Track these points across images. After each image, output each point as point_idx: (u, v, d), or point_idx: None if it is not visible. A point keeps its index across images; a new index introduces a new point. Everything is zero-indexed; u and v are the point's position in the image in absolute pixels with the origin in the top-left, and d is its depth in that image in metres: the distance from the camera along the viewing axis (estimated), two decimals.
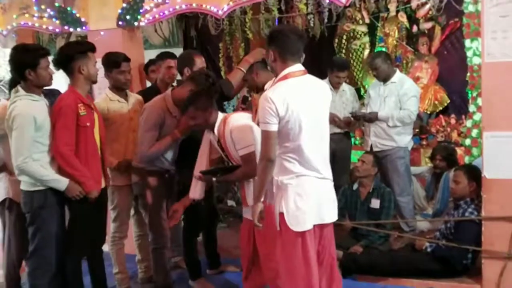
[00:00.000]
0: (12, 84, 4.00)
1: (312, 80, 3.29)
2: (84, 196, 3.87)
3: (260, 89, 3.97)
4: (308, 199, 3.16)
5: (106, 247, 4.42)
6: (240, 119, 3.76)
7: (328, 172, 3.29)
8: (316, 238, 3.25)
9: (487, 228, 4.24)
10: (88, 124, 3.90)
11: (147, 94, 4.76)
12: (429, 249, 4.63)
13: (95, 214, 4.05)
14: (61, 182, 3.78)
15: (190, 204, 4.11)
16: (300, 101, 3.11)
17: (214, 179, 3.87)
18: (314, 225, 3.21)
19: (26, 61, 3.69)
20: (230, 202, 6.92)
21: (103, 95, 4.61)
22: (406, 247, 4.98)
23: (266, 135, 3.11)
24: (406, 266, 4.58)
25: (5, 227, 4.44)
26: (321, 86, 3.34)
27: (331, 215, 3.31)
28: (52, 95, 4.32)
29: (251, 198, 3.61)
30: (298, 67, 3.20)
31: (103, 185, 4.10)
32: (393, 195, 5.21)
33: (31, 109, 3.67)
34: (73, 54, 3.88)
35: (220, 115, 3.86)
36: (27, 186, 3.79)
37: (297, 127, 3.10)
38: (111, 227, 4.64)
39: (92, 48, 4.02)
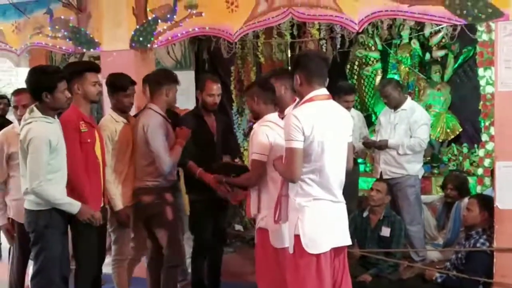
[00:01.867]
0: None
1: (335, 105, 3.34)
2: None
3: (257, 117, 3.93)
4: (325, 222, 3.17)
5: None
6: (268, 124, 3.69)
7: (341, 196, 3.30)
8: (331, 261, 3.23)
9: (499, 259, 4.18)
10: (89, 140, 3.92)
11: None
12: (439, 280, 4.55)
13: (98, 234, 4.04)
14: (74, 206, 3.77)
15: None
16: (324, 123, 3.15)
17: (224, 179, 3.95)
18: (331, 249, 3.20)
19: (44, 84, 3.67)
20: (238, 227, 6.87)
21: (107, 116, 4.55)
22: (416, 277, 4.90)
23: (290, 152, 3.11)
24: None
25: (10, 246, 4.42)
26: (344, 112, 3.39)
27: (345, 238, 3.32)
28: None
29: (255, 207, 3.65)
30: (323, 91, 3.26)
31: (101, 203, 4.08)
32: (403, 224, 5.14)
33: (46, 131, 3.66)
34: (70, 75, 3.88)
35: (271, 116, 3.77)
36: (32, 205, 3.75)
37: (320, 148, 3.12)
38: (112, 249, 4.56)
39: (89, 68, 4.03)
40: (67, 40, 5.73)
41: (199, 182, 4.45)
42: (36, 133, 3.62)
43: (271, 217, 3.43)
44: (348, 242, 3.34)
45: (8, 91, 6.87)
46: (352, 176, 5.98)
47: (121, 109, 4.45)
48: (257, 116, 3.87)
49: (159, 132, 4.21)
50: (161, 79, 4.41)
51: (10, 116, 4.76)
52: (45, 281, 3.81)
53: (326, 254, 3.18)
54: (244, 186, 3.88)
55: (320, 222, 3.16)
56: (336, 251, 3.26)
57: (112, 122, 4.42)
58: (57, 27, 5.77)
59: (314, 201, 3.16)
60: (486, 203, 4.44)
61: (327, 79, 3.32)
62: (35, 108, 3.71)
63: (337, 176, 3.24)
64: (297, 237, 3.16)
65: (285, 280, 3.37)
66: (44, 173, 3.63)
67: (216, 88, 4.59)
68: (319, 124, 3.12)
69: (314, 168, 3.14)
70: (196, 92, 4.56)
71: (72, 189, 3.84)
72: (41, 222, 3.74)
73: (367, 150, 6.14)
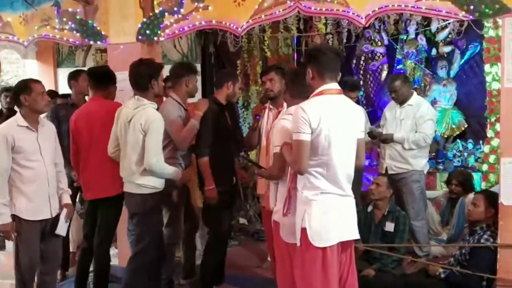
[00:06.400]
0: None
1: (346, 100, 3.33)
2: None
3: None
4: (332, 216, 3.18)
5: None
6: (288, 117, 3.61)
7: (350, 190, 3.31)
8: (338, 255, 3.24)
9: (502, 255, 4.17)
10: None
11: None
12: (442, 275, 4.55)
13: None
14: (178, 172, 4.28)
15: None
16: (332, 117, 3.15)
17: (256, 171, 4.00)
18: (337, 243, 3.21)
19: (152, 73, 4.18)
20: (242, 220, 6.90)
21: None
22: (420, 272, 4.92)
23: (297, 144, 3.13)
24: None
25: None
26: (355, 108, 3.39)
27: (353, 232, 3.33)
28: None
29: (273, 201, 3.66)
30: (334, 85, 3.25)
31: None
32: (407, 219, 5.14)
33: (160, 115, 4.13)
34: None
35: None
36: (139, 189, 4.15)
37: (327, 141, 3.12)
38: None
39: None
40: (74, 32, 5.74)
41: (219, 174, 4.51)
42: (156, 116, 4.09)
43: (282, 210, 3.48)
44: (356, 236, 3.34)
45: (15, 82, 6.88)
46: (355, 172, 6.01)
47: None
48: (265, 101, 4.19)
49: (173, 115, 4.45)
50: (181, 71, 4.64)
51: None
52: (147, 260, 4.23)
53: (333, 248, 3.19)
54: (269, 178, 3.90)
55: (327, 216, 3.17)
56: (343, 245, 3.27)
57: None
58: (64, 19, 5.77)
59: (321, 194, 3.17)
60: (493, 199, 4.42)
61: (340, 74, 3.33)
62: (140, 97, 4.16)
63: (345, 170, 3.23)
64: (303, 230, 3.17)
65: (292, 275, 3.41)
66: (161, 151, 4.11)
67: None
68: (327, 118, 3.12)
69: (321, 161, 3.15)
70: (226, 82, 4.66)
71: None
72: (150, 205, 4.17)
73: (372, 143, 6.12)
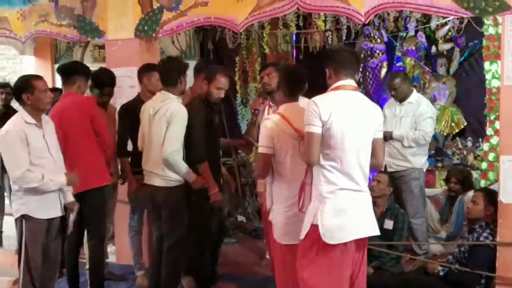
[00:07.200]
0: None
1: (362, 97, 3.33)
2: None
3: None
4: (347, 214, 3.15)
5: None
6: (275, 116, 3.62)
7: (365, 186, 3.28)
8: (351, 253, 3.20)
9: (501, 253, 4.17)
10: None
11: (132, 105, 4.78)
12: (441, 273, 4.54)
13: None
14: (192, 175, 4.28)
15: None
16: (345, 112, 3.14)
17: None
18: (351, 241, 3.17)
19: (180, 70, 4.34)
20: (240, 218, 6.88)
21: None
22: (418, 270, 4.89)
23: (308, 136, 3.14)
24: None
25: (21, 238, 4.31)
26: (373, 106, 3.36)
27: (369, 229, 3.28)
28: None
29: (269, 201, 3.66)
30: (350, 82, 3.25)
31: None
32: (406, 217, 5.13)
33: (185, 110, 4.24)
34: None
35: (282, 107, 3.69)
36: (166, 183, 4.25)
37: (340, 135, 3.11)
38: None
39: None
40: (72, 28, 5.72)
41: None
42: (179, 109, 4.21)
43: (277, 211, 3.54)
44: (373, 232, 3.29)
45: (13, 78, 6.85)
46: None
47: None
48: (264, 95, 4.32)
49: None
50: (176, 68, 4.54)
51: (14, 104, 4.75)
52: (181, 252, 4.35)
53: (346, 245, 3.15)
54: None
55: (340, 214, 3.13)
56: (358, 243, 3.22)
57: None
58: (62, 15, 5.75)
59: (336, 191, 3.14)
60: (493, 197, 4.40)
61: (358, 73, 3.35)
62: (166, 92, 4.30)
63: (359, 166, 3.19)
64: (315, 227, 3.13)
65: (289, 275, 3.43)
66: (180, 143, 4.20)
67: (225, 83, 4.49)
68: (339, 112, 3.11)
69: (334, 155, 3.13)
70: (202, 82, 4.48)
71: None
72: (176, 197, 4.28)
73: None
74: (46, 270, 4.11)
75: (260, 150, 3.57)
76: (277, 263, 3.66)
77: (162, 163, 4.22)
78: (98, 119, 4.50)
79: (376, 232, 3.31)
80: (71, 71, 4.63)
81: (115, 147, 4.89)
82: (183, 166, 4.24)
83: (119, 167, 5.07)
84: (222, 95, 4.54)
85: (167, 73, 4.34)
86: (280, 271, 3.63)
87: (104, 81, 4.93)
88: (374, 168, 3.42)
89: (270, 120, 3.57)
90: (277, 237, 3.57)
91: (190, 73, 4.65)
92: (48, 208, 3.97)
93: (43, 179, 3.82)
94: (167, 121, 4.17)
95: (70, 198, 4.17)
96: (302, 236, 3.22)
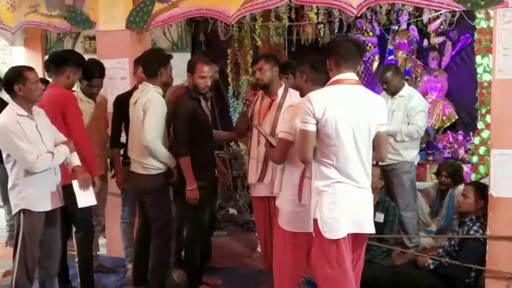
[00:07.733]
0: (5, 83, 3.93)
1: (364, 91, 3.28)
2: None
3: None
4: (343, 207, 3.13)
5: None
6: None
7: (366, 182, 3.23)
8: (349, 247, 3.20)
9: (491, 247, 4.18)
10: None
11: (127, 96, 4.70)
12: (431, 266, 4.55)
13: None
14: (173, 161, 4.38)
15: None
16: (342, 106, 3.11)
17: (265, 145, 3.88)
18: (349, 234, 3.16)
19: (160, 62, 4.46)
20: (232, 210, 6.88)
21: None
22: (409, 263, 4.91)
23: (301, 133, 3.15)
24: (408, 282, 4.50)
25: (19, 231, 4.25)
26: (375, 99, 3.31)
27: (366, 226, 3.24)
28: None
29: (278, 187, 3.68)
30: (350, 75, 3.20)
31: None
32: (397, 210, 5.14)
33: (161, 98, 4.39)
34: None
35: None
36: (147, 170, 4.37)
37: (334, 132, 3.09)
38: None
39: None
40: (63, 19, 5.67)
41: (200, 168, 4.38)
42: (155, 97, 4.33)
43: (284, 197, 3.58)
44: (369, 230, 3.25)
45: (2, 69, 6.80)
46: None
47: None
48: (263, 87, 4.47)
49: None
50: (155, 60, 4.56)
51: (4, 95, 4.67)
52: (166, 239, 4.48)
53: (345, 239, 3.14)
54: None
55: (336, 207, 3.11)
56: (355, 240, 3.21)
57: None
58: (52, 5, 5.69)
59: (332, 185, 3.13)
60: (483, 191, 4.41)
61: (360, 65, 3.29)
62: (147, 83, 4.41)
63: (357, 162, 3.16)
64: (315, 221, 3.15)
65: (288, 261, 3.53)
66: (158, 130, 4.30)
67: (207, 70, 4.39)
68: (334, 107, 3.07)
69: (330, 151, 3.11)
70: (187, 76, 4.46)
71: None
72: (158, 183, 4.39)
73: None
74: (45, 260, 4.06)
75: (281, 135, 3.49)
76: (278, 248, 3.67)
77: (143, 150, 4.32)
78: (70, 115, 4.31)
79: (372, 230, 3.27)
80: (61, 61, 4.53)
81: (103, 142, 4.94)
82: (164, 151, 4.34)
83: (109, 159, 5.04)
84: (209, 83, 4.46)
85: (148, 65, 4.47)
86: (280, 256, 3.63)
87: (93, 73, 4.85)
88: (377, 161, 3.41)
89: (296, 108, 3.46)
90: (281, 223, 3.57)
91: (183, 66, 4.64)
92: (46, 200, 3.92)
93: (53, 155, 3.86)
94: (143, 110, 4.29)
95: (76, 163, 4.10)
96: (313, 233, 3.21)
